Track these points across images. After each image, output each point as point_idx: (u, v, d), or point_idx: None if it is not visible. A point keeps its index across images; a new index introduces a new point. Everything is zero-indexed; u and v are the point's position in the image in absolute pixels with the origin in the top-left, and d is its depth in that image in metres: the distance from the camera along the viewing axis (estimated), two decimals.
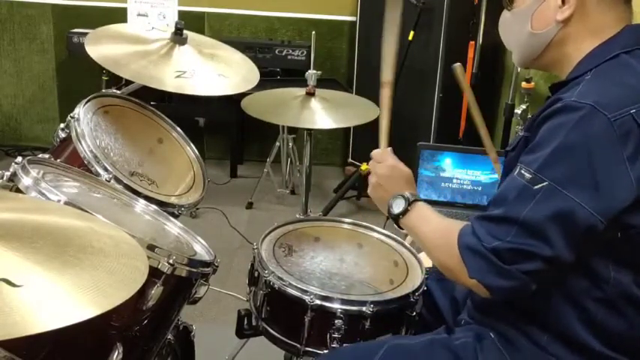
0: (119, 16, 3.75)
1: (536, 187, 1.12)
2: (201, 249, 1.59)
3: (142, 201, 1.66)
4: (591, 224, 1.10)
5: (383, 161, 1.47)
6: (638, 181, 1.10)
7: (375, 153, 1.50)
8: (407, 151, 2.48)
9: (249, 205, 3.84)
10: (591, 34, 1.22)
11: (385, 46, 1.59)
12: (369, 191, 1.48)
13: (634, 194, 1.10)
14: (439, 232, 1.29)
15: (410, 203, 1.35)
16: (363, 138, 3.56)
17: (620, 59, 1.19)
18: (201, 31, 4.07)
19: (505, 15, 1.34)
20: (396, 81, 3.55)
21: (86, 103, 1.79)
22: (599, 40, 1.22)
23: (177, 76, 1.84)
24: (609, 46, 1.21)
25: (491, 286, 1.16)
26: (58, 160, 1.61)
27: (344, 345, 1.43)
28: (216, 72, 1.95)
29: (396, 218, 1.37)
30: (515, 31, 1.31)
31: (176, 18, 3.41)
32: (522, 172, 1.15)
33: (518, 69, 3.20)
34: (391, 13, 1.56)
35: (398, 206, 1.36)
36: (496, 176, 2.47)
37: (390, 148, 1.52)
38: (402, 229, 1.39)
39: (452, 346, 1.33)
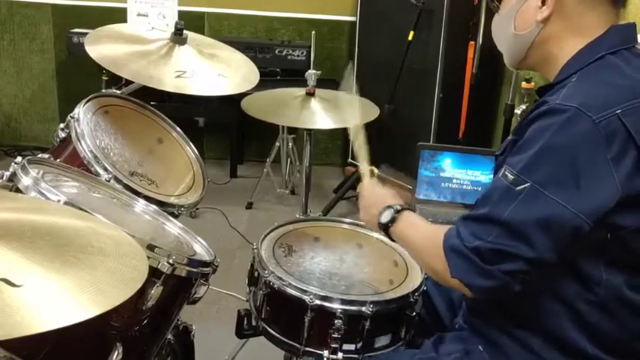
0: (119, 16, 3.75)
1: (518, 188, 1.12)
2: (200, 249, 1.59)
3: (141, 201, 1.66)
4: (576, 225, 1.10)
5: (367, 187, 1.52)
6: (622, 181, 1.10)
7: (361, 185, 1.54)
8: (407, 151, 2.48)
9: (249, 205, 3.84)
10: (573, 34, 1.22)
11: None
12: (360, 216, 1.52)
13: (618, 194, 1.10)
14: (426, 235, 1.30)
15: (398, 211, 1.37)
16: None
17: (606, 60, 1.19)
18: (200, 31, 4.07)
19: (495, 18, 1.35)
20: (396, 81, 3.57)
21: (86, 103, 1.79)
22: (583, 40, 1.21)
23: (177, 76, 1.84)
24: (595, 47, 1.21)
25: (472, 286, 1.17)
26: (58, 160, 1.61)
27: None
28: (216, 72, 1.95)
29: (386, 228, 1.38)
30: (503, 32, 1.32)
31: (176, 18, 3.41)
32: (506, 173, 1.15)
33: None
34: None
35: (386, 216, 1.38)
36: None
37: (374, 179, 1.56)
38: (393, 239, 1.40)
39: None
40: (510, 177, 1.14)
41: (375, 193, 1.49)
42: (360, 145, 1.63)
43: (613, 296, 1.19)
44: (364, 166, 1.60)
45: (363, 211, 1.50)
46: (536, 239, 1.11)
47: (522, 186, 1.12)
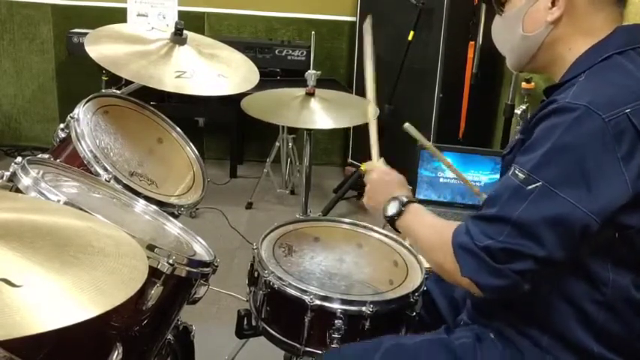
0: (119, 16, 3.75)
1: (529, 187, 1.12)
2: (200, 249, 1.59)
3: (141, 201, 1.66)
4: (585, 224, 1.10)
5: (376, 170, 1.51)
6: (632, 180, 1.10)
7: (368, 164, 1.53)
8: (407, 151, 2.48)
9: (249, 206, 3.84)
10: (582, 35, 1.23)
11: (366, 71, 1.73)
12: (364, 201, 1.51)
13: (628, 193, 1.10)
14: (434, 232, 1.30)
15: (404, 204, 1.37)
16: (363, 138, 3.56)
17: (613, 60, 1.19)
18: (200, 31, 4.07)
19: (497, 20, 1.35)
20: (396, 81, 3.57)
21: (86, 103, 1.79)
22: (590, 41, 1.22)
23: (177, 76, 1.84)
24: (602, 47, 1.21)
25: (483, 285, 1.17)
26: (58, 160, 1.61)
27: (343, 344, 1.43)
28: (216, 72, 1.95)
29: (392, 220, 1.38)
30: (508, 35, 1.32)
31: (176, 18, 3.41)
32: (516, 172, 1.15)
33: None
34: (367, 38, 1.81)
35: (392, 208, 1.38)
36: (497, 176, 2.47)
37: (382, 159, 1.56)
38: (399, 231, 1.40)
39: (452, 345, 1.33)
40: (521, 176, 1.14)
41: (384, 180, 1.48)
42: (372, 133, 1.65)
43: (620, 296, 1.19)
44: (375, 142, 1.60)
45: (367, 198, 1.50)
46: (547, 238, 1.11)
47: (533, 185, 1.12)
